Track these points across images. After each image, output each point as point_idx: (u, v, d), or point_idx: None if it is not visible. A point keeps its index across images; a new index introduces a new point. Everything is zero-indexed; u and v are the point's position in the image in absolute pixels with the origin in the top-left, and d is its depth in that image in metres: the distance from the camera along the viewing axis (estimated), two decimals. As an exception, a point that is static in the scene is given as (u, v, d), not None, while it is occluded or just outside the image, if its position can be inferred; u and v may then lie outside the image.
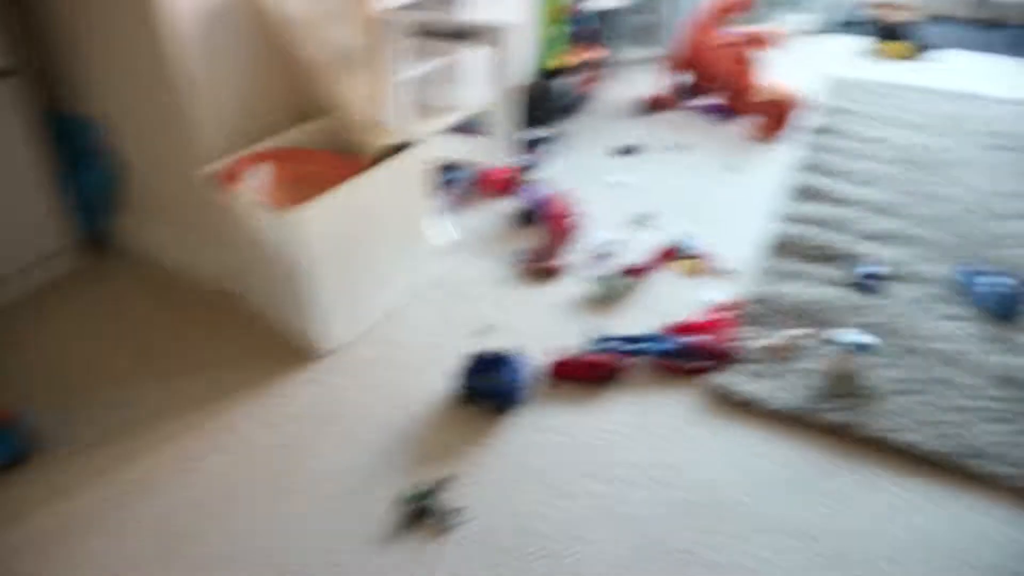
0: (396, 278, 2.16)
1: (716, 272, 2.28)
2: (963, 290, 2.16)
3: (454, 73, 2.45)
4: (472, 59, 2.44)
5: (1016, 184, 2.75)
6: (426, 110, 2.40)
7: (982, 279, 2.13)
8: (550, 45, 3.11)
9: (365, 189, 1.95)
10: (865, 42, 4.31)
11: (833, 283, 2.19)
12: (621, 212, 2.60)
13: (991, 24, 4.65)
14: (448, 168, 2.60)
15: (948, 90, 3.61)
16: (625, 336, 1.97)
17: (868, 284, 2.16)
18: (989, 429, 1.73)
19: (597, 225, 2.50)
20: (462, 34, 2.33)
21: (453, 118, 2.46)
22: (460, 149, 2.57)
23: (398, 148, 2.10)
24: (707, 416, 1.80)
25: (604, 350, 1.93)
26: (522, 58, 2.95)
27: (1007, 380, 1.87)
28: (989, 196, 2.66)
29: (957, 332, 2.02)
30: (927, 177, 2.78)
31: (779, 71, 3.35)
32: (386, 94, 2.09)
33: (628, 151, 3.01)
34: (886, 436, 1.71)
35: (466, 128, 2.55)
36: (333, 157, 2.11)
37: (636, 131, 3.20)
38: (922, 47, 4.17)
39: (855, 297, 2.14)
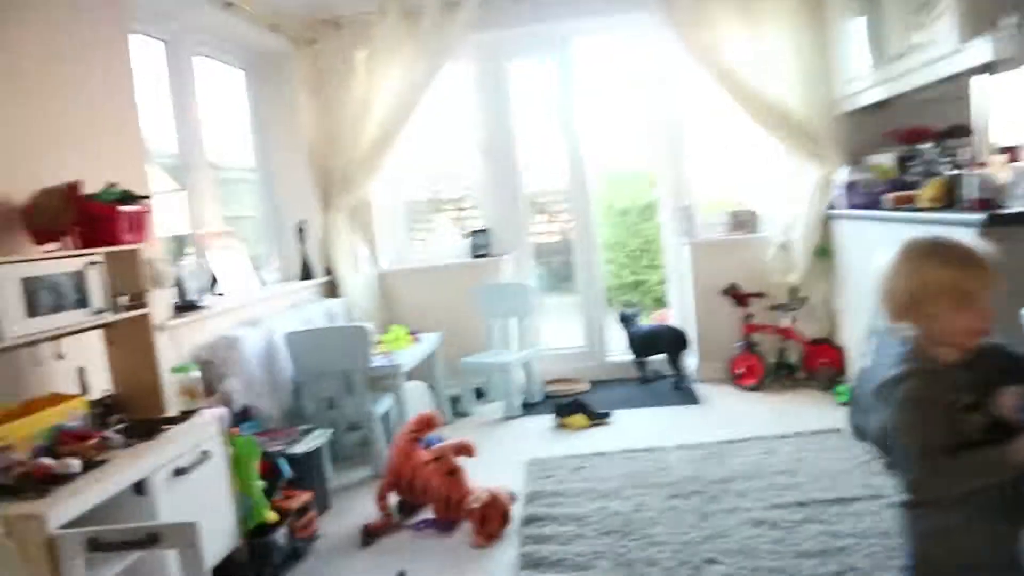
0: None
1: None
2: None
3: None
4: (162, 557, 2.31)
5: (702, 527, 3.09)
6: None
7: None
8: (255, 502, 3.07)
9: None
10: (547, 420, 4.86)
11: None
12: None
13: (648, 380, 5.55)
14: None
15: (627, 448, 4.12)
16: None
17: None
18: None
19: None
20: (151, 537, 2.21)
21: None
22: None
23: None
24: None
25: None
26: (223, 526, 2.86)
27: None
28: (686, 546, 2.94)
29: None
30: (631, 542, 3.02)
31: (479, 471, 3.59)
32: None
33: (357, 593, 2.92)
34: None
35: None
36: None
37: (362, 565, 3.14)
38: (597, 414, 4.79)
39: None
